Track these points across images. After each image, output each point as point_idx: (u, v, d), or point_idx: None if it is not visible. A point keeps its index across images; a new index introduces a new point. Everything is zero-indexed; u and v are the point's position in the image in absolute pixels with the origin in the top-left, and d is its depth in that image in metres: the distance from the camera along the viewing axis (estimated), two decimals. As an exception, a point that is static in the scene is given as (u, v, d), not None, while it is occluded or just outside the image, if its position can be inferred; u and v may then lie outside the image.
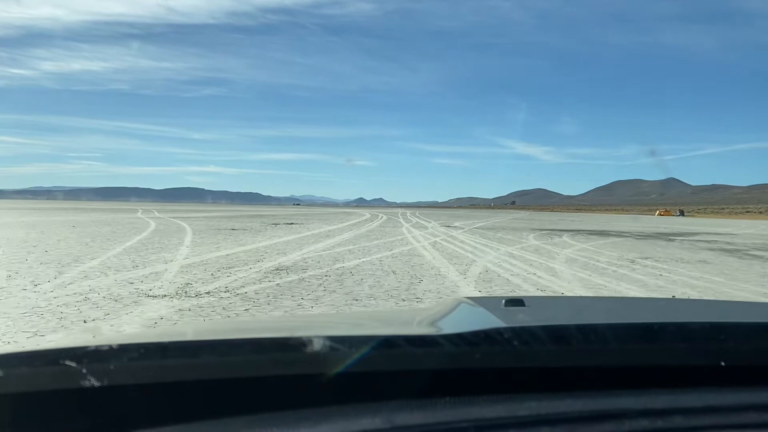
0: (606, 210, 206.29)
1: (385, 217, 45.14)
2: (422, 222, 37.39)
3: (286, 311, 6.64)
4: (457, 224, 35.34)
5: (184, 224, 26.34)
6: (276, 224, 28.39)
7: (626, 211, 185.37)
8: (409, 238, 20.32)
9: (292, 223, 29.63)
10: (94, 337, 3.79)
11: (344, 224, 30.63)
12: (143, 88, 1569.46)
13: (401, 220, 40.68)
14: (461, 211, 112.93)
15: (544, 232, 27.60)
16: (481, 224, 36.53)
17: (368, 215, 51.32)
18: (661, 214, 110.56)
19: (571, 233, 26.67)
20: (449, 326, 0.97)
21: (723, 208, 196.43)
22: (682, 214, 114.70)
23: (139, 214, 39.58)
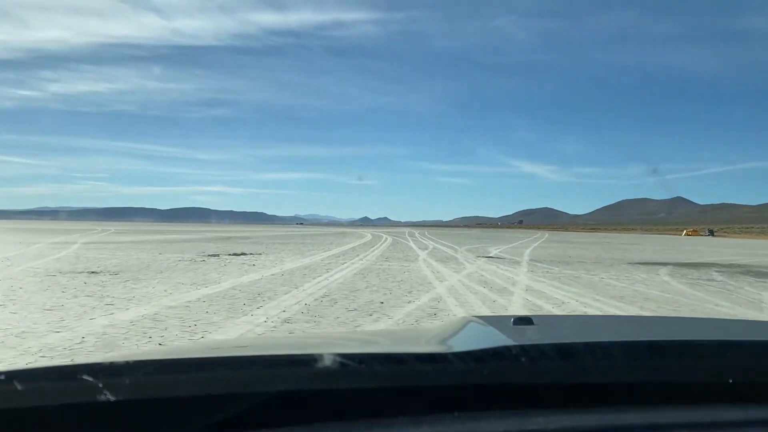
0: (623, 230, 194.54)
1: (389, 240, 34.37)
2: (442, 248, 26.26)
3: None
4: (494, 252, 24.38)
5: (47, 259, 15.91)
6: (214, 256, 17.71)
7: (642, 230, 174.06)
8: (444, 296, 9.57)
9: (241, 254, 18.88)
10: (110, 352, 5.02)
11: (327, 254, 19.89)
12: (149, 109, 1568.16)
13: (412, 244, 29.67)
14: (473, 231, 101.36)
15: (663, 267, 16.66)
16: (530, 252, 25.34)
17: (369, 236, 40.63)
18: (689, 234, 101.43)
19: (716, 270, 15.88)
20: (458, 344, 0.98)
21: (749, 228, 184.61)
22: (711, 234, 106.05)
23: (59, 238, 29.64)
